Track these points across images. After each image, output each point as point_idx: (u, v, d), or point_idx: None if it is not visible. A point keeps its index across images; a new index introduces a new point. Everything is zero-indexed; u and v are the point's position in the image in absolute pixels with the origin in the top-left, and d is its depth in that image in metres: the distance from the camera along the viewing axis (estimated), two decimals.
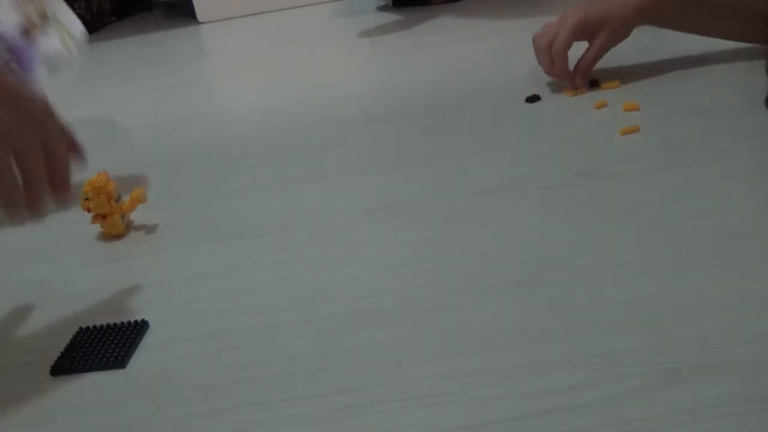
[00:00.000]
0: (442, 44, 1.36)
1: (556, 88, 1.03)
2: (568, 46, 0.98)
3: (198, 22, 1.94)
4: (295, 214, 0.80)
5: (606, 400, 0.47)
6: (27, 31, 0.87)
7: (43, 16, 0.90)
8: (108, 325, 0.64)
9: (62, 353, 0.61)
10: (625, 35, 1.00)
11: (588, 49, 0.99)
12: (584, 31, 0.98)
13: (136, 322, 0.64)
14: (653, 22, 1.00)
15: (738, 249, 0.60)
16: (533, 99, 0.99)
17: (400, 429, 0.48)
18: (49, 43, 0.90)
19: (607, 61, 1.02)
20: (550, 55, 0.99)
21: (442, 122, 0.99)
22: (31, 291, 0.73)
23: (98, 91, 1.49)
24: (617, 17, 0.97)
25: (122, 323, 0.64)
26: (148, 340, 0.62)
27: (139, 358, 0.60)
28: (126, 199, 0.82)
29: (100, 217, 0.80)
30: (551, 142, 0.87)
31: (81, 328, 0.64)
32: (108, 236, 0.81)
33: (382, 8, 1.73)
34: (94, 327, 0.64)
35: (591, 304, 0.56)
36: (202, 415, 0.52)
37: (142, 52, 1.76)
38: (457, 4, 1.65)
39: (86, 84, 1.56)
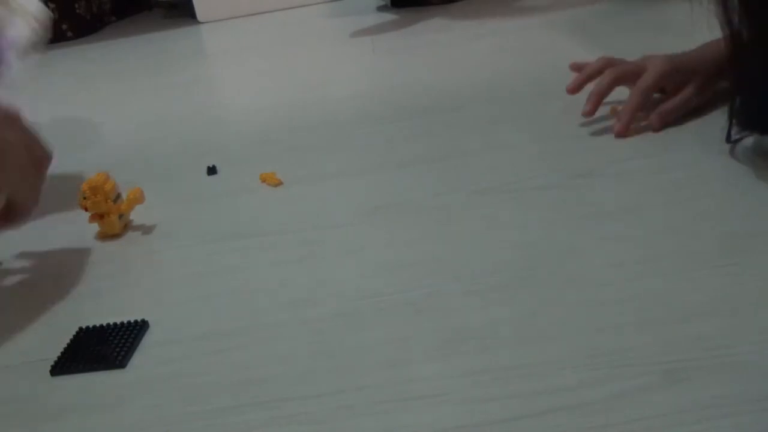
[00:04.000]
0: (442, 44, 1.36)
1: (554, 88, 1.03)
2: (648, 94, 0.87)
3: (198, 22, 1.94)
4: (294, 213, 0.80)
5: (606, 400, 0.47)
6: None
7: (4, 3, 0.89)
8: (108, 325, 0.64)
9: (62, 353, 0.61)
10: (712, 92, 0.91)
11: (673, 99, 0.88)
12: (666, 84, 0.89)
13: (136, 322, 0.64)
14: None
15: (738, 249, 0.60)
16: (211, 171, 0.94)
17: (400, 429, 0.48)
18: (16, 29, 0.90)
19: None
20: (610, 85, 0.89)
21: (442, 122, 0.99)
22: (31, 291, 0.73)
23: (98, 91, 1.48)
24: (702, 74, 0.89)
25: (122, 323, 0.64)
26: (148, 340, 0.62)
27: (139, 358, 0.60)
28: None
29: (98, 217, 0.80)
30: (551, 142, 0.87)
31: (81, 328, 0.64)
32: (105, 236, 0.81)
33: (381, 8, 1.73)
34: (94, 327, 0.64)
35: (591, 304, 0.56)
36: (202, 415, 0.52)
37: (142, 52, 1.75)
38: (457, 4, 1.65)
39: (86, 83, 1.56)
